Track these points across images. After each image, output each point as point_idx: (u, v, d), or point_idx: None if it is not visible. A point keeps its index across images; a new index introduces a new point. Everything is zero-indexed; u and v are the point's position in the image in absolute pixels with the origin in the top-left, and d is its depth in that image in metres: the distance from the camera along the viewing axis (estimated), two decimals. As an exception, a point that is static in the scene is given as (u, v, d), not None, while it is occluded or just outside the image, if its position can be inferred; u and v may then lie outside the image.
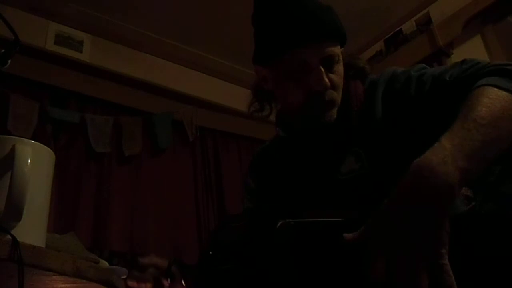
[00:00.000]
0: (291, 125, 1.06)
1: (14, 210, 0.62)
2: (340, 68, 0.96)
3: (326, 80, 0.92)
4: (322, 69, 0.92)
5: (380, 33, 3.23)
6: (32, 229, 0.66)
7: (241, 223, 0.80)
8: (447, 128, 0.68)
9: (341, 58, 0.97)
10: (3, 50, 0.83)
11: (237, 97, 3.28)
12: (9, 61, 0.83)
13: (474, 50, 2.78)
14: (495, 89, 0.72)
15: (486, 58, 2.69)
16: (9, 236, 0.59)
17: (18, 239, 0.58)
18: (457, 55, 2.82)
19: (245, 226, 0.78)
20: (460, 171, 0.62)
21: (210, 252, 0.75)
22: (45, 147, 0.72)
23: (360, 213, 0.66)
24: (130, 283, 0.90)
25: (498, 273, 0.62)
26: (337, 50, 0.95)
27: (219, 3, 2.84)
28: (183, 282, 0.90)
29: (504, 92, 0.72)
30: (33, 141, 0.69)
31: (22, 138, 0.68)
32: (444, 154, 0.63)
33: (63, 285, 0.65)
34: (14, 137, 0.68)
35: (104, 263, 0.87)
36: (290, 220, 0.71)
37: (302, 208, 0.96)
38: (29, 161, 0.65)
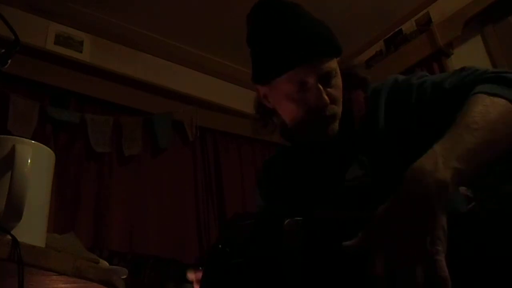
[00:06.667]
0: (295, 137, 1.07)
1: (14, 210, 0.62)
2: (338, 81, 0.97)
3: (325, 97, 0.93)
4: (320, 86, 0.93)
5: (380, 33, 3.23)
6: (32, 229, 0.65)
7: (250, 221, 0.81)
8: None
9: (338, 71, 0.97)
10: (3, 50, 0.82)
11: (237, 97, 3.28)
12: (9, 61, 0.83)
13: (474, 50, 2.78)
14: (491, 96, 0.74)
15: (486, 58, 2.69)
16: (9, 236, 0.59)
17: (18, 239, 0.58)
18: (457, 55, 2.82)
19: (253, 223, 0.79)
20: (452, 170, 0.65)
21: (220, 246, 0.76)
22: (45, 147, 0.71)
23: (366, 213, 0.67)
24: (189, 275, 0.96)
25: (499, 272, 0.62)
26: (333, 64, 0.95)
27: (220, 3, 2.84)
28: None
29: (499, 99, 0.74)
30: (33, 141, 0.69)
31: (22, 138, 0.68)
32: (436, 157, 0.66)
33: (63, 285, 0.65)
34: (14, 137, 0.68)
35: (104, 263, 0.87)
36: (298, 218, 0.72)
37: (309, 210, 0.97)
38: (29, 161, 0.65)
